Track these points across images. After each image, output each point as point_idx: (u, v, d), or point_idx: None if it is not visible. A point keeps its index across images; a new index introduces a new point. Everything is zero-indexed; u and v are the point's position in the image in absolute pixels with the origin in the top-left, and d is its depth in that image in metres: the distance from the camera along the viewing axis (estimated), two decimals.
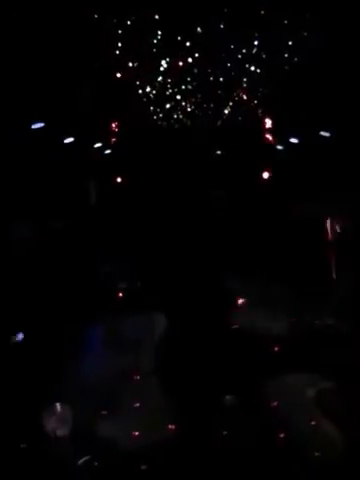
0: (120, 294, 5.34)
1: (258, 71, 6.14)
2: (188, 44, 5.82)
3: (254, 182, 6.97)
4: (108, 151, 7.29)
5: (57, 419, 2.66)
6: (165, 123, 7.07)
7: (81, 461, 2.62)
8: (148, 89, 6.51)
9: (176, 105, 6.92)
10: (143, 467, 2.72)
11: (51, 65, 5.18)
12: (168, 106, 6.86)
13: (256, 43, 5.87)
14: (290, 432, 2.96)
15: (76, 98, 5.71)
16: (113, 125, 7.18)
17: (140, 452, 2.86)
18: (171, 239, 6.35)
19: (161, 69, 6.16)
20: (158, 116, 7.00)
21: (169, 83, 6.47)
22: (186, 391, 3.45)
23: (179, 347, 4.06)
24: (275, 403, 3.23)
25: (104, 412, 3.15)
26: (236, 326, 4.48)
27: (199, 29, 5.70)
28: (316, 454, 2.76)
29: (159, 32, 5.75)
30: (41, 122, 5.53)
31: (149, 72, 6.22)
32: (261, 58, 5.98)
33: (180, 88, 6.60)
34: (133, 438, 2.98)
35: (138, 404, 3.35)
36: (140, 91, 6.51)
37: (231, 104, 6.84)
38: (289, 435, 2.94)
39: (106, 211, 7.13)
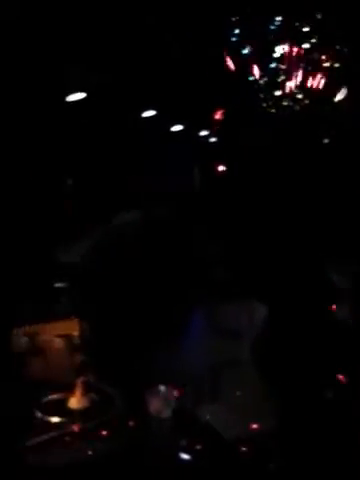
0: (220, 282, 5.39)
1: None
2: (306, 30, 5.69)
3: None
4: (213, 139, 7.34)
5: (160, 401, 2.75)
6: (274, 110, 7.00)
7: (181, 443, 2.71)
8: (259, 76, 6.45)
9: (286, 92, 6.83)
10: (240, 454, 2.77)
11: (163, 54, 5.28)
12: (278, 93, 6.78)
13: None
14: None
15: (185, 86, 5.80)
16: (219, 112, 7.21)
17: (239, 440, 2.92)
18: (273, 228, 6.30)
19: (274, 55, 6.07)
20: (267, 103, 6.93)
21: (281, 70, 6.38)
22: (285, 382, 3.46)
23: (278, 337, 4.05)
24: None
25: (205, 398, 3.25)
26: (336, 318, 4.38)
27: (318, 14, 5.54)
28: None
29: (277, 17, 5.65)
30: (152, 110, 5.68)
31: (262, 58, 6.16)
32: None
33: (292, 75, 6.49)
34: (232, 426, 3.04)
35: (238, 393, 3.40)
36: (251, 78, 6.46)
37: (343, 91, 6.64)
38: None
39: (210, 198, 7.20)
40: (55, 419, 2.62)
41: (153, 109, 5.70)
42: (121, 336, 3.38)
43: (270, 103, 6.98)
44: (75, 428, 2.59)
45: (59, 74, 4.15)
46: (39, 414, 2.65)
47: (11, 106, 3.91)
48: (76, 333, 3.23)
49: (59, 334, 3.20)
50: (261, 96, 6.90)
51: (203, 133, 6.92)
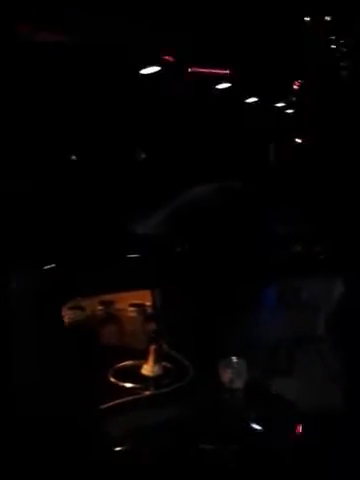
0: (297, 256, 5.27)
1: None
2: None
3: None
4: (290, 110, 7.13)
5: (233, 372, 2.74)
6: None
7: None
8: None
9: None
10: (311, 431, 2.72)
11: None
12: None
13: None
14: None
15: (260, 55, 5.65)
16: (296, 83, 6.98)
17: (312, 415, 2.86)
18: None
19: None
20: (345, 71, 6.63)
21: None
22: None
23: (356, 315, 3.92)
24: None
25: (278, 371, 3.21)
26: None
27: None
28: None
29: None
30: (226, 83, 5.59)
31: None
32: None
33: None
34: (303, 401, 2.98)
35: (312, 368, 3.33)
36: (333, 46, 6.20)
37: None
38: None
39: (284, 172, 7.02)
40: (128, 385, 2.67)
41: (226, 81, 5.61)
42: (195, 307, 3.38)
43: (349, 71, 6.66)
44: (148, 394, 2.62)
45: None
46: (113, 379, 2.70)
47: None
48: (149, 303, 3.27)
49: (133, 303, 3.26)
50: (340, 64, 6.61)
51: (279, 105, 6.75)
